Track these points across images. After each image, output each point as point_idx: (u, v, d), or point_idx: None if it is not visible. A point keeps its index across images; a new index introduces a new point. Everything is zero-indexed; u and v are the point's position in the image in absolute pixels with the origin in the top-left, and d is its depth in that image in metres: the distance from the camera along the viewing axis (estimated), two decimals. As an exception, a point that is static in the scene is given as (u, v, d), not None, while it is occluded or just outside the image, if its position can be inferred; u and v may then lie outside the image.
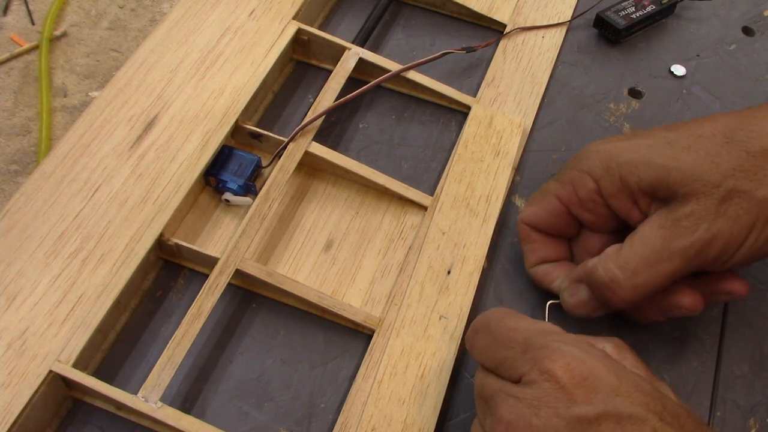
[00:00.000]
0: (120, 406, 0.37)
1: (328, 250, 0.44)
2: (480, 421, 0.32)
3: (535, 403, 0.29)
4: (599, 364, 0.29)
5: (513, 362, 0.31)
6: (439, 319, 0.40)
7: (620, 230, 0.39)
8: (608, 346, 0.33)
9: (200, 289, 0.39)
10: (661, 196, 0.36)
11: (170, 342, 0.37)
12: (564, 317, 0.41)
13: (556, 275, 0.41)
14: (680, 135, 0.37)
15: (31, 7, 0.64)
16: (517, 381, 0.31)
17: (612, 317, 0.43)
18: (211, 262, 0.41)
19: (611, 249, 0.37)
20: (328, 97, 0.48)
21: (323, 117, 0.47)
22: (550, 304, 0.41)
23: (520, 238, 0.42)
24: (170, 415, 0.36)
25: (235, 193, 0.45)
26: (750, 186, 0.34)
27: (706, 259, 0.35)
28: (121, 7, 0.65)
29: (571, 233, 0.42)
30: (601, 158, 0.38)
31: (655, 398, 0.29)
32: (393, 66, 0.51)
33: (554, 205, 0.40)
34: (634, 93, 0.54)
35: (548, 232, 0.41)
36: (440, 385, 0.38)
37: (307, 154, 0.46)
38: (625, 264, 0.36)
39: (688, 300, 0.37)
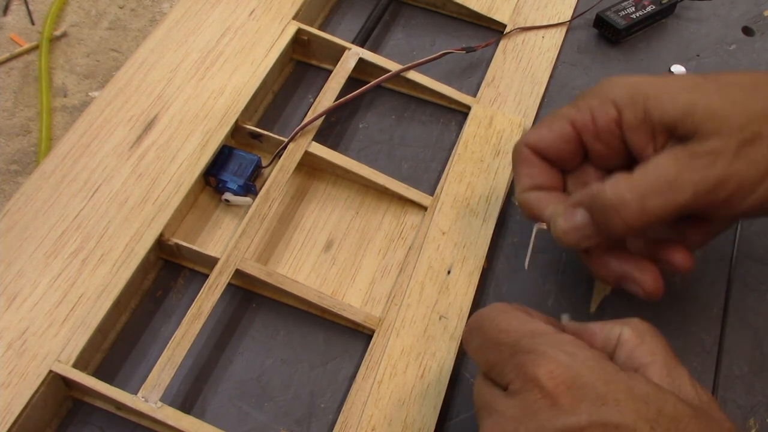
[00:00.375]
0: (120, 406, 0.37)
1: (328, 250, 0.44)
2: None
3: (518, 416, 0.28)
4: (586, 369, 0.28)
5: (502, 368, 0.30)
6: (439, 319, 0.40)
7: (624, 168, 0.38)
8: (626, 330, 0.32)
9: (200, 289, 0.39)
10: (680, 134, 0.36)
11: (170, 342, 0.37)
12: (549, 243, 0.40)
13: (548, 203, 0.39)
14: (708, 80, 0.37)
15: (31, 7, 0.64)
16: (505, 388, 0.30)
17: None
18: (211, 262, 0.41)
19: (620, 174, 0.36)
20: (328, 97, 0.48)
21: (323, 117, 0.47)
22: (537, 229, 0.40)
23: (516, 162, 0.40)
24: (170, 415, 0.36)
25: (235, 193, 0.45)
26: None
27: (716, 198, 0.35)
28: (121, 7, 0.65)
29: (572, 164, 0.40)
30: (628, 89, 0.37)
31: (649, 403, 0.28)
32: (393, 66, 0.51)
33: (566, 131, 0.39)
34: (634, 93, 0.54)
35: (550, 158, 0.40)
36: (440, 385, 0.38)
37: (307, 154, 0.46)
38: (635, 188, 0.35)
39: (680, 257, 0.37)
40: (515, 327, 0.31)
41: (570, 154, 0.40)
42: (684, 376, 0.31)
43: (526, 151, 0.40)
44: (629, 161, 0.38)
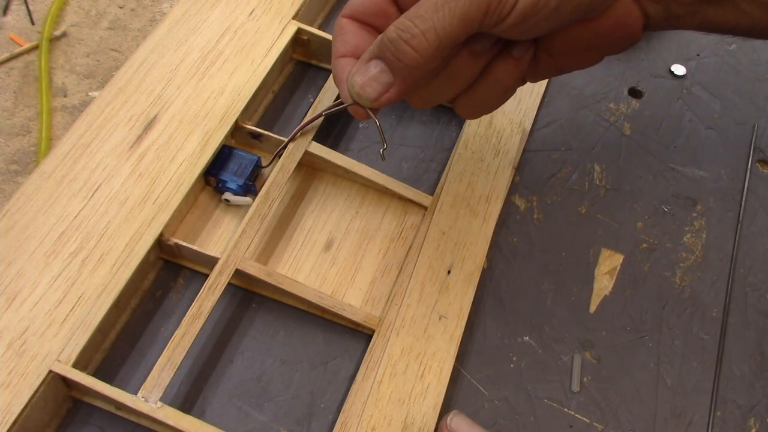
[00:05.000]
0: (120, 406, 0.37)
1: (328, 250, 0.44)
2: None
3: None
4: None
5: None
6: (439, 319, 0.40)
7: None
8: None
9: (200, 289, 0.39)
10: None
11: (170, 342, 0.37)
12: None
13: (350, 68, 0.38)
14: None
15: (31, 7, 0.64)
16: None
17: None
18: (211, 262, 0.41)
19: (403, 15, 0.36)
20: (328, 97, 0.48)
21: (323, 117, 0.47)
22: (324, 113, 0.41)
23: (334, 33, 0.39)
24: (170, 415, 0.36)
25: (235, 193, 0.45)
26: None
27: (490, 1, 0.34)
28: (121, 7, 0.65)
29: (387, 17, 0.39)
30: None
31: None
32: (393, 66, 0.50)
33: None
34: (634, 93, 0.54)
35: (366, 18, 0.39)
36: (440, 385, 0.38)
37: (307, 154, 0.46)
38: (414, 15, 0.34)
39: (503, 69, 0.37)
40: None
41: (383, 4, 0.39)
42: None
43: (344, 21, 0.39)
44: None
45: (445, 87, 0.38)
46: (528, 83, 0.41)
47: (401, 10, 0.39)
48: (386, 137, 0.50)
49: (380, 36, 0.36)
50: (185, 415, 0.36)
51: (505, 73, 0.38)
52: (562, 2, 0.34)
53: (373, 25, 0.39)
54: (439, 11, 0.34)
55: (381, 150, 0.39)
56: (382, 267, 0.44)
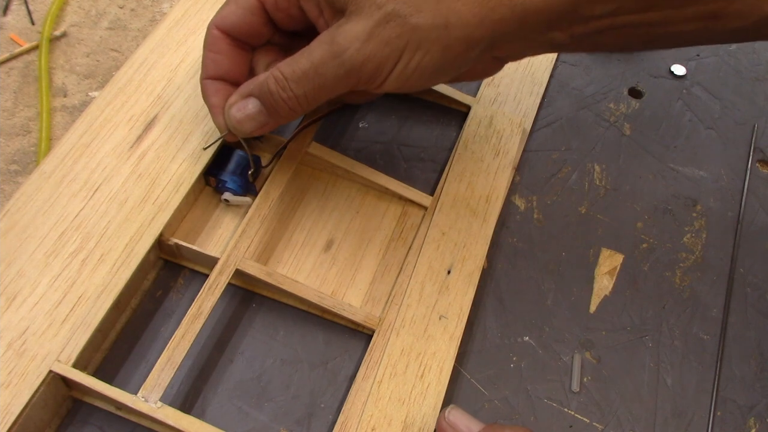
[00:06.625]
0: (120, 406, 0.37)
1: (328, 250, 0.44)
2: None
3: None
4: None
5: None
6: (439, 319, 0.40)
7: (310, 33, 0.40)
8: None
9: (200, 289, 0.39)
10: (338, 7, 0.37)
11: (170, 342, 0.37)
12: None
13: (223, 95, 0.41)
14: None
15: (31, 7, 0.64)
16: None
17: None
18: (211, 262, 0.41)
19: (284, 61, 0.38)
20: (328, 97, 0.48)
21: (323, 117, 0.47)
22: (204, 149, 0.44)
23: (206, 44, 0.42)
24: (170, 415, 0.36)
25: (235, 193, 0.45)
26: (407, 11, 0.35)
27: (359, 78, 0.37)
28: (121, 7, 0.65)
29: (261, 38, 0.42)
30: None
31: None
32: (393, 66, 0.50)
33: (251, 3, 0.41)
34: (634, 93, 0.54)
35: (239, 36, 0.41)
36: (440, 385, 0.38)
37: (307, 154, 0.46)
38: (291, 75, 0.37)
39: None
40: None
41: (257, 27, 0.41)
42: None
43: (215, 33, 0.41)
44: (311, 28, 0.40)
45: None
46: (529, 82, 0.42)
47: (274, 22, 0.41)
48: (388, 137, 0.50)
49: (261, 79, 0.38)
50: (185, 415, 0.36)
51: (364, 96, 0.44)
52: (427, 78, 0.38)
53: (248, 43, 0.42)
54: (311, 82, 0.37)
55: (249, 172, 0.44)
56: (382, 267, 0.44)
